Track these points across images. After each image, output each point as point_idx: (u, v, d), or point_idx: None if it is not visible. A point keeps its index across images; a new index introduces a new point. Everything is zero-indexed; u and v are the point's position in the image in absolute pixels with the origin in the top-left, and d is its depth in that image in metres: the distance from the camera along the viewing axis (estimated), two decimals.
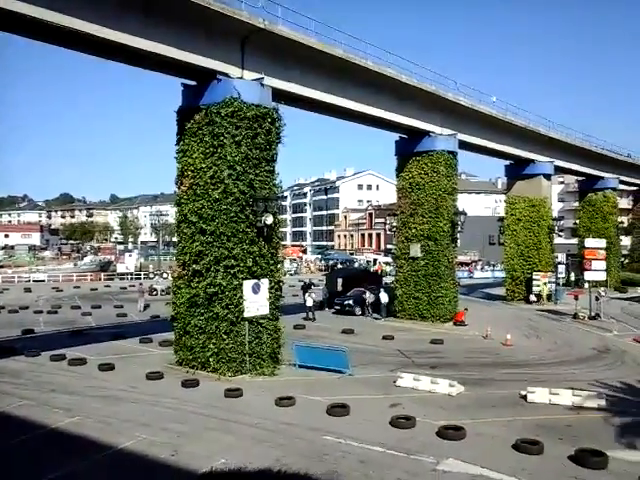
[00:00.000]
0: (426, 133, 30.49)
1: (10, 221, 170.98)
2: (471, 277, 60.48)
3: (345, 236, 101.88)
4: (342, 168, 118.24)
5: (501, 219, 43.34)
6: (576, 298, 32.55)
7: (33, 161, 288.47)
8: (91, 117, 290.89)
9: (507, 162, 41.73)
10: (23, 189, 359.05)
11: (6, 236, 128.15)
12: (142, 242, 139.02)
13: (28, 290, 49.09)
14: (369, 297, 32.65)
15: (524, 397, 15.89)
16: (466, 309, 30.31)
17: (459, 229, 30.92)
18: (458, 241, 31.93)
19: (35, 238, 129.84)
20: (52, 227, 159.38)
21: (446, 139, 30.85)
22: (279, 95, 21.39)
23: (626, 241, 61.36)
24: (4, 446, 12.15)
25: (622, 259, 56.17)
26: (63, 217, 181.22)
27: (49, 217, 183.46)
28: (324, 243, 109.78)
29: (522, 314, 34.18)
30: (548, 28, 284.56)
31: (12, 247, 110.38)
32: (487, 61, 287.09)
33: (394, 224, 33.31)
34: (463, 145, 32.58)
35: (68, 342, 23.70)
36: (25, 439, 12.64)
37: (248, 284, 18.87)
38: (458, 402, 15.83)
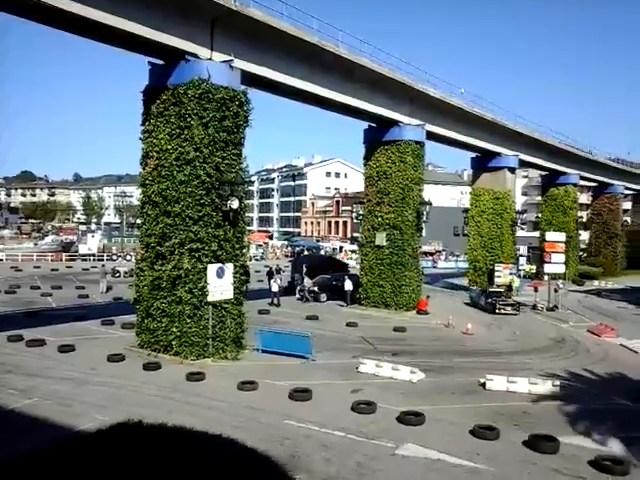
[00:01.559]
0: (395, 123, 30.62)
1: None
2: (435, 267, 61.25)
3: (312, 223, 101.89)
4: (310, 155, 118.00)
5: (466, 210, 43.95)
6: (536, 290, 33.35)
7: None
8: (56, 93, 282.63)
9: (473, 154, 42.29)
10: None
11: None
12: (106, 223, 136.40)
13: None
14: (307, 283, 32.90)
15: (483, 385, 16.28)
16: (428, 296, 30.75)
17: (424, 219, 31.24)
18: (423, 231, 32.25)
19: None
20: (11, 205, 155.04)
21: (414, 129, 31.04)
22: (251, 79, 21.19)
23: (585, 235, 63.08)
24: None
25: (580, 253, 57.72)
26: (23, 195, 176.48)
27: (8, 195, 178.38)
28: (291, 229, 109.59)
29: None
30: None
31: None
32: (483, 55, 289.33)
33: (360, 212, 33.46)
34: (431, 136, 32.85)
35: (26, 323, 23.19)
36: None
37: (212, 268, 18.74)
38: (419, 389, 16.12)
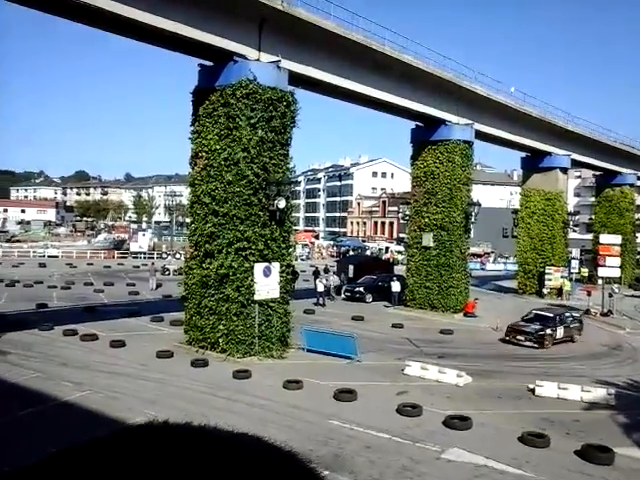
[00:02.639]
0: (442, 122, 30.22)
1: (26, 196, 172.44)
2: (483, 269, 60.14)
3: (358, 223, 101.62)
4: (357, 155, 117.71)
5: (515, 211, 42.90)
6: (589, 294, 32.31)
7: (50, 137, 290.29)
8: (110, 96, 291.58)
9: (523, 154, 41.32)
10: (39, 165, 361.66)
11: (22, 211, 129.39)
12: (156, 222, 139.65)
13: (42, 265, 49.60)
14: (334, 280, 32.55)
15: (532, 390, 15.86)
16: (476, 299, 30.20)
17: (473, 220, 30.73)
18: (471, 232, 31.74)
19: (50, 214, 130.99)
20: (67, 204, 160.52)
21: (462, 128, 30.57)
22: (296, 79, 21.29)
23: None
24: (14, 417, 12.37)
25: (638, 256, 55.57)
26: (78, 194, 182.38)
27: (64, 194, 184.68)
28: (336, 229, 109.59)
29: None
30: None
31: (28, 222, 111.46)
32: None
33: (407, 213, 33.20)
34: (479, 135, 32.27)
35: (81, 318, 23.96)
36: (35, 411, 12.87)
37: (259, 267, 18.93)
38: (465, 392, 15.85)
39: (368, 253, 69.50)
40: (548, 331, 22.46)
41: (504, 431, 12.67)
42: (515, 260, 47.04)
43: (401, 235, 71.90)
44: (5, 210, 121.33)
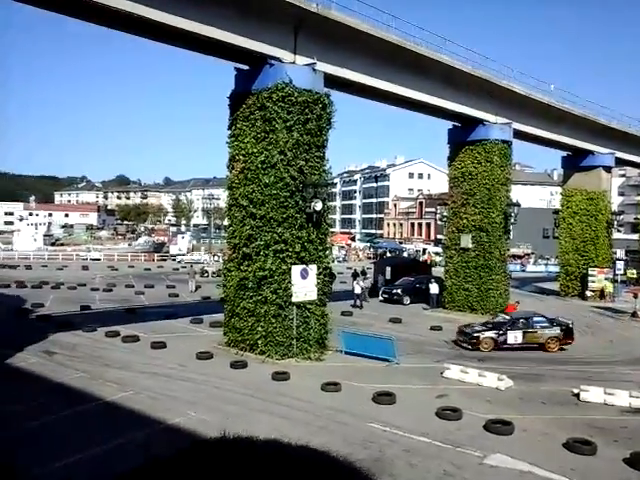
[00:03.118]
0: (480, 121, 29.81)
1: (69, 201, 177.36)
2: (523, 270, 59.02)
3: (394, 225, 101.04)
4: (393, 156, 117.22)
5: (556, 212, 41.93)
6: (635, 296, 31.30)
7: (91, 143, 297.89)
8: (149, 101, 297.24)
9: (564, 153, 40.38)
10: (82, 170, 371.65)
11: (66, 215, 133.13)
12: (194, 225, 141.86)
13: (85, 268, 50.92)
14: (362, 284, 32.05)
15: (577, 395, 15.43)
16: (517, 302, 29.62)
17: (512, 221, 30.21)
18: (511, 233, 31.17)
19: (92, 218, 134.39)
20: (108, 208, 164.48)
21: (500, 128, 30.08)
22: (331, 80, 21.27)
23: None
24: (61, 416, 12.68)
25: None
26: (119, 198, 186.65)
27: (106, 198, 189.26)
28: (373, 231, 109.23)
29: (576, 310, 33.10)
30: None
31: (71, 226, 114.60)
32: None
33: (445, 214, 32.84)
34: (518, 135, 31.72)
35: (122, 319, 24.48)
36: (81, 410, 13.17)
37: (297, 269, 18.99)
38: (506, 396, 15.53)
39: (405, 255, 69.00)
40: (487, 334, 21.28)
41: (548, 437, 12.35)
42: (557, 261, 46.03)
43: (439, 236, 71.21)
44: (50, 214, 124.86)
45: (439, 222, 42.58)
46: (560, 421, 13.48)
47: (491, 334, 21.38)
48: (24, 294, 32.15)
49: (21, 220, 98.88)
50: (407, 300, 32.64)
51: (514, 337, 21.34)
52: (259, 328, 19.04)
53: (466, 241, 29.96)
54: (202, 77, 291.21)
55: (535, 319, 22.07)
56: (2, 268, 48.63)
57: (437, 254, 62.15)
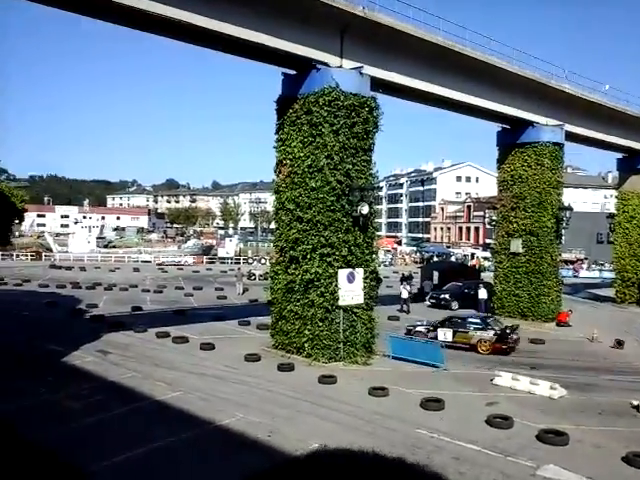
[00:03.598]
0: (530, 123, 29.16)
1: (121, 204, 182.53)
2: (576, 276, 57.27)
3: (442, 229, 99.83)
4: (440, 159, 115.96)
5: (612, 216, 40.54)
6: None
7: (142, 147, 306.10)
8: (197, 106, 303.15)
9: (619, 155, 39.03)
10: (133, 174, 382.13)
11: (118, 218, 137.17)
12: (241, 228, 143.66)
13: (136, 270, 52.23)
14: (406, 290, 31.52)
15: (636, 407, 14.82)
16: (570, 311, 28.76)
17: (564, 225, 29.46)
18: (563, 238, 30.35)
19: (143, 221, 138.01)
20: (158, 211, 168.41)
21: (552, 130, 29.34)
22: (378, 84, 21.20)
23: None
24: (113, 414, 13.03)
25: None
26: (169, 202, 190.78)
27: (156, 201, 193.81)
28: (419, 235, 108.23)
29: (634, 318, 31.91)
30: None
31: (123, 229, 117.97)
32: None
33: (494, 218, 32.27)
34: (570, 136, 30.87)
35: (172, 320, 24.99)
36: (133, 408, 13.52)
37: (343, 273, 18.99)
38: (560, 406, 15.09)
39: (453, 259, 68.07)
40: (419, 328, 22.57)
41: (605, 449, 11.92)
42: (612, 267, 44.50)
43: (487, 241, 69.95)
44: (103, 217, 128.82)
45: (488, 226, 41.90)
46: (618, 433, 12.99)
47: (422, 329, 22.44)
48: (79, 295, 33.24)
49: (76, 223, 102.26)
50: (455, 305, 32.15)
51: (443, 334, 21.80)
52: (306, 331, 19.11)
53: (516, 246, 29.33)
54: (250, 83, 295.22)
55: (470, 320, 22.31)
56: (58, 269, 50.39)
57: (486, 259, 61.01)
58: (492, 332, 21.48)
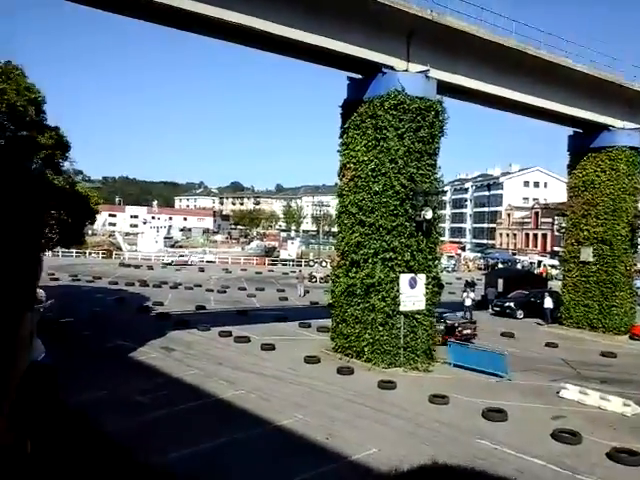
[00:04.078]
0: (605, 127, 27.95)
1: (188, 205, 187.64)
2: None
3: (507, 235, 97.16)
4: (507, 164, 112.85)
5: None
6: None
7: (208, 151, 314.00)
8: (262, 110, 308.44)
9: None
10: (199, 177, 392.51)
11: (184, 219, 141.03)
12: (304, 231, 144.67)
13: (201, 270, 53.57)
14: (472, 296, 30.72)
15: None
16: None
17: None
18: (638, 247, 28.94)
19: (208, 222, 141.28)
20: (223, 213, 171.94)
21: (629, 134, 28.01)
22: (444, 87, 20.92)
23: None
24: (177, 409, 13.40)
25: None
26: (233, 204, 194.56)
27: (221, 203, 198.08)
28: (484, 241, 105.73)
29: None
30: None
31: (189, 230, 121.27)
32: None
33: (563, 225, 31.18)
34: None
35: (234, 320, 25.46)
36: (196, 405, 13.87)
37: (405, 278, 18.81)
38: (634, 424, 14.34)
39: (518, 267, 66.13)
40: None
41: None
42: None
43: (556, 248, 67.51)
44: (170, 218, 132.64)
45: (556, 233, 40.49)
46: None
47: None
48: (146, 292, 34.40)
49: (145, 223, 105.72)
50: (520, 314, 31.24)
51: None
52: (366, 335, 19.04)
53: (587, 254, 28.18)
54: (315, 86, 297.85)
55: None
56: (127, 267, 52.36)
57: (553, 267, 58.92)
58: (442, 325, 22.71)
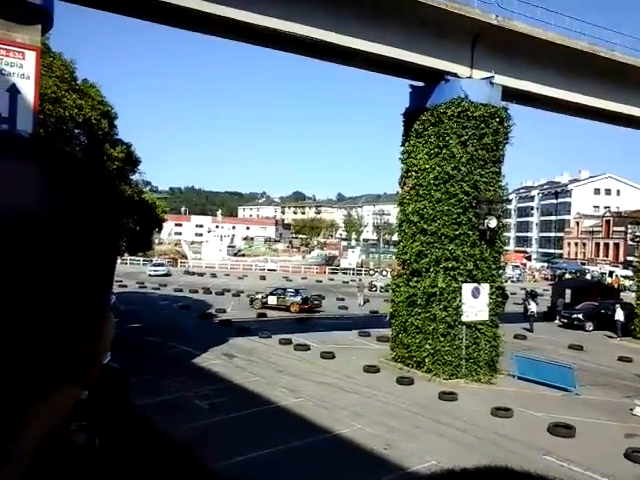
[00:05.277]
0: None
1: (251, 215, 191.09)
2: None
3: (576, 244, 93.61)
4: (576, 170, 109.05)
5: None
6: None
7: (272, 162, 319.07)
8: (323, 122, 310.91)
9: None
10: (262, 187, 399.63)
11: (247, 228, 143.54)
12: (364, 239, 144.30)
13: (263, 278, 54.32)
14: (533, 307, 29.65)
15: None
16: None
17: None
18: None
19: (270, 231, 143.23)
20: (285, 222, 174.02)
21: None
22: (510, 93, 20.44)
23: None
24: (237, 415, 13.60)
25: None
26: (295, 213, 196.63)
27: (283, 212, 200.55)
28: (551, 251, 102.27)
29: None
30: None
31: (252, 238, 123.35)
32: None
33: (638, 233, 29.78)
34: None
35: (294, 328, 25.66)
36: (256, 411, 14.02)
37: (467, 288, 18.44)
38: None
39: (588, 277, 63.55)
40: (257, 296, 33.14)
41: None
42: None
43: (629, 258, 64.46)
44: (233, 227, 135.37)
45: (630, 242, 38.62)
46: None
47: (259, 296, 32.49)
48: (209, 300, 35.19)
49: (209, 232, 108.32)
50: (589, 326, 29.95)
51: (272, 299, 31.75)
52: (427, 346, 18.76)
53: None
54: (372, 96, 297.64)
55: (287, 290, 32.98)
56: (191, 275, 53.78)
57: (626, 277, 56.26)
58: (299, 297, 31.41)
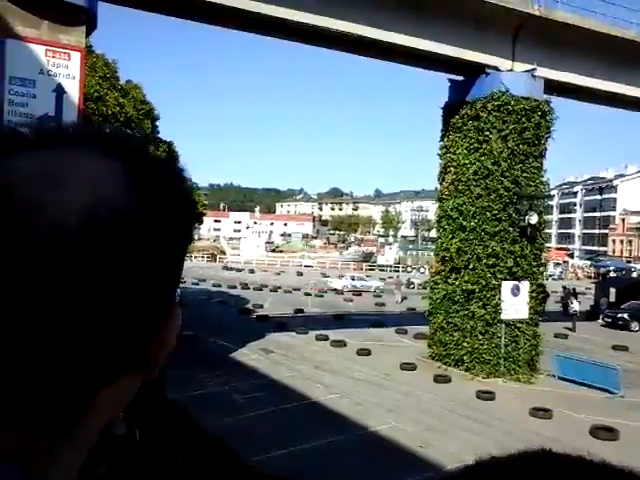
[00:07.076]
0: None
1: (288, 211, 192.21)
2: None
3: (622, 241, 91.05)
4: (622, 165, 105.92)
5: None
6: None
7: (310, 158, 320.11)
8: (361, 118, 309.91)
9: None
10: (300, 183, 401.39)
11: (285, 224, 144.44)
12: (402, 236, 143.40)
13: (300, 274, 54.61)
14: (576, 306, 28.98)
15: None
16: None
17: None
18: None
19: (308, 227, 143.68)
20: (322, 218, 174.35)
21: None
22: (552, 86, 19.97)
23: None
24: (274, 410, 13.71)
25: None
26: (332, 209, 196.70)
27: (320, 209, 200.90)
28: (595, 248, 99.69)
29: None
30: None
31: (289, 235, 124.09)
32: None
33: None
34: None
35: (331, 324, 25.72)
36: (293, 406, 14.12)
37: (507, 285, 18.13)
38: None
39: (634, 275, 61.72)
40: None
41: None
42: None
43: None
44: (271, 223, 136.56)
45: None
46: None
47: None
48: (247, 295, 35.56)
49: (247, 228, 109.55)
50: (635, 326, 29.08)
51: None
52: (465, 344, 18.54)
53: None
54: (411, 92, 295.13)
55: None
56: (229, 271, 54.44)
57: None
58: None
